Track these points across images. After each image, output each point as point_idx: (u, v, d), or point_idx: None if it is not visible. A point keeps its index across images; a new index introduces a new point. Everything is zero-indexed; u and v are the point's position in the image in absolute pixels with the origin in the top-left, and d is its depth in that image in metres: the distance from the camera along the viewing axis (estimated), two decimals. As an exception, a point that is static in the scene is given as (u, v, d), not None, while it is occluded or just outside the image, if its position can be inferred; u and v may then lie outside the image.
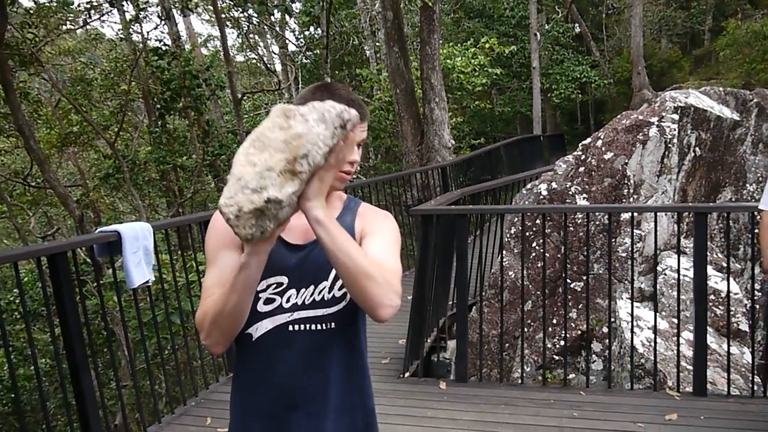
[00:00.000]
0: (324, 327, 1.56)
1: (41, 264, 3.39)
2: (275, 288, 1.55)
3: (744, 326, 5.16)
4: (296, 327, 1.55)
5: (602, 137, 5.97)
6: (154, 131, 12.94)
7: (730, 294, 5.13)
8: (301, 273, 1.54)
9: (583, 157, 6.00)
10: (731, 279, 5.39)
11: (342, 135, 1.34)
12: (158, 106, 12.03)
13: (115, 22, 22.29)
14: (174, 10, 13.31)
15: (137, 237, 3.66)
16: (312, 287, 1.55)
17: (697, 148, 6.17)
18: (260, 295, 1.54)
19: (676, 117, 5.84)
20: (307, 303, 1.55)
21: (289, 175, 1.29)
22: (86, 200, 13.18)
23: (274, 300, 1.55)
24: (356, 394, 1.63)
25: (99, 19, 13.23)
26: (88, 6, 11.65)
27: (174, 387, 6.81)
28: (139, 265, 3.66)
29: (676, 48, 25.48)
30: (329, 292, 1.55)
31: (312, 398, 1.57)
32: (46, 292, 3.26)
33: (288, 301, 1.55)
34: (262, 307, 1.55)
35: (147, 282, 3.71)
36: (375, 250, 1.52)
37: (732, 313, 4.90)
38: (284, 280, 1.55)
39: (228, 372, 4.58)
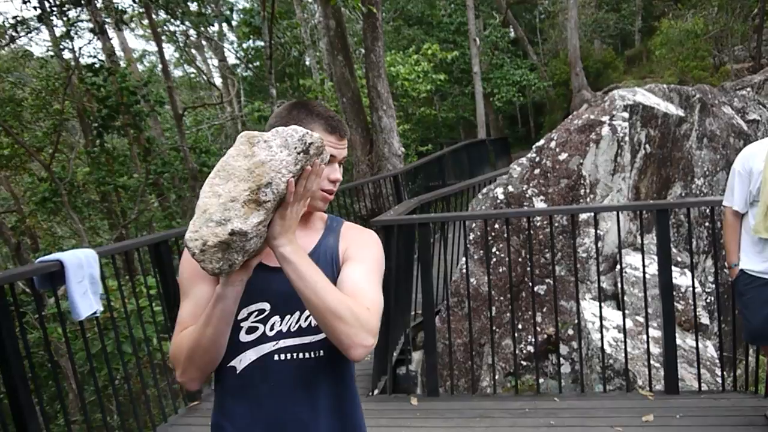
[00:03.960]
0: (312, 355, 1.45)
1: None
2: (257, 316, 1.44)
3: (705, 320, 5.21)
4: (282, 356, 1.44)
5: (555, 138, 5.96)
6: (92, 151, 12.42)
7: (690, 288, 5.17)
8: (285, 298, 1.41)
9: (537, 158, 5.99)
10: (689, 273, 5.44)
11: (305, 160, 1.26)
12: (95, 124, 11.54)
13: (45, 39, 21.41)
14: (107, 25, 12.84)
15: (81, 265, 3.40)
16: (297, 313, 1.44)
17: (647, 146, 6.23)
18: (242, 324, 1.44)
19: (626, 115, 5.89)
20: (292, 330, 1.44)
21: (254, 205, 1.22)
22: (22, 227, 12.54)
23: (256, 329, 1.44)
24: (348, 425, 1.53)
25: (27, 35, 12.60)
26: (14, 22, 11.08)
27: (128, 418, 6.47)
28: (85, 296, 3.39)
29: (609, 49, 26.24)
30: None
31: (305, 431, 1.46)
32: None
33: (272, 329, 1.44)
34: (244, 337, 1.44)
35: (95, 313, 3.45)
36: (354, 279, 1.41)
37: (693, 307, 4.94)
38: (266, 306, 1.44)
39: (187, 402, 4.33)
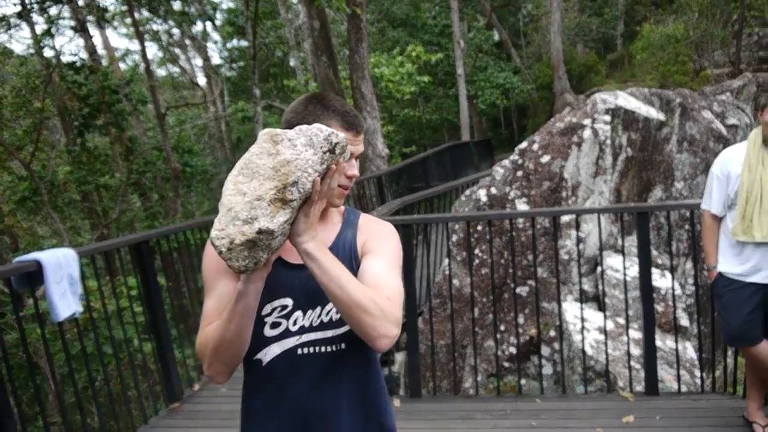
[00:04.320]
0: (334, 348, 1.50)
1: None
2: (280, 311, 1.50)
3: (684, 322, 5.26)
4: (305, 350, 1.50)
5: (538, 141, 6.00)
6: (72, 150, 12.29)
7: (670, 290, 5.23)
8: (306, 294, 1.47)
9: (520, 161, 6.02)
10: (669, 275, 5.50)
11: (331, 159, 1.28)
12: (76, 123, 11.43)
13: (25, 37, 21.18)
14: (89, 23, 12.71)
15: (60, 265, 3.36)
16: (319, 308, 1.49)
17: (628, 149, 6.29)
18: (266, 319, 1.49)
19: (608, 118, 5.94)
20: (314, 325, 1.50)
21: (280, 204, 1.24)
22: (1, 226, 12.37)
23: (280, 324, 1.50)
24: (372, 414, 1.58)
25: (6, 32, 12.44)
26: (-6, 20, 10.96)
27: (108, 420, 6.40)
28: (64, 296, 3.36)
29: (592, 53, 26.45)
30: (337, 313, 1.48)
31: (327, 422, 1.51)
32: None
33: (295, 324, 1.49)
34: (268, 332, 1.50)
35: (74, 314, 3.41)
36: (374, 271, 1.45)
37: (673, 309, 4.98)
38: (289, 302, 1.49)
39: (168, 403, 4.29)
